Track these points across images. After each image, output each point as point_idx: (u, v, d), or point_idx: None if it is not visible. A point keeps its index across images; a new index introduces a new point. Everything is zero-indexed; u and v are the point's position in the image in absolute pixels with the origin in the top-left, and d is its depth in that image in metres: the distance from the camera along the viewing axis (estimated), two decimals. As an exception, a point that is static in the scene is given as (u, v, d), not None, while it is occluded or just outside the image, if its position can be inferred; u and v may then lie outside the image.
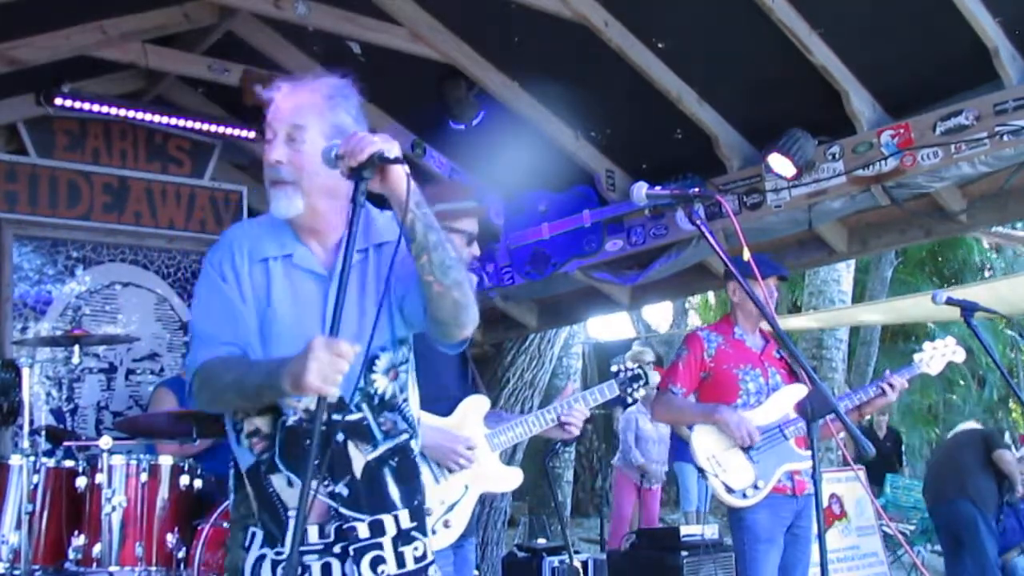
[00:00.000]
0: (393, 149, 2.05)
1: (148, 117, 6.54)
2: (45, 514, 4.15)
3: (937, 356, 4.30)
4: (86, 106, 6.22)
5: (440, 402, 3.14)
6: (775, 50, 5.14)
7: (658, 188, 2.91)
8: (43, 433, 4.46)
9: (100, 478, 4.11)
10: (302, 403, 2.14)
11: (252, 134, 6.84)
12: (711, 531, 6.28)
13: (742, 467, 3.99)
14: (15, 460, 4.21)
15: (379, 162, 2.03)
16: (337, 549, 2.17)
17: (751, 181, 5.78)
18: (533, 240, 6.90)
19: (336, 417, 2.12)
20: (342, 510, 2.16)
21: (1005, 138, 4.88)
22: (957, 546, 6.58)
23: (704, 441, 4.05)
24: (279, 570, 2.13)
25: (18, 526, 4.08)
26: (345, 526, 2.16)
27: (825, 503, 6.66)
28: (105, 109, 6.30)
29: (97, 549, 4.08)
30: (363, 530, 2.17)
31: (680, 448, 9.18)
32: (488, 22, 5.64)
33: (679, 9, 5.27)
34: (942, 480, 6.79)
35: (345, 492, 2.16)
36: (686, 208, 2.87)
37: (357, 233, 2.04)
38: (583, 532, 12.00)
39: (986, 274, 16.04)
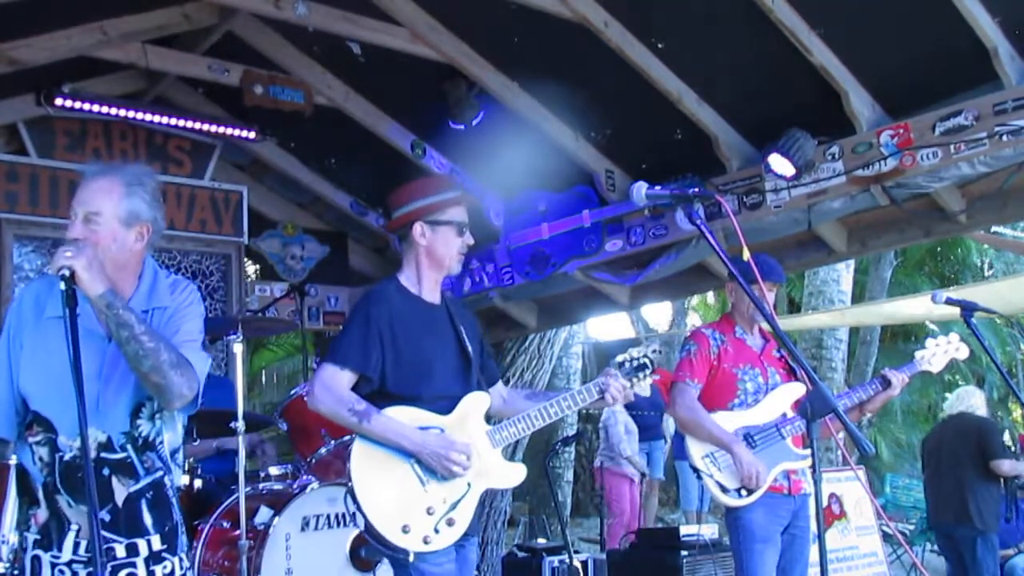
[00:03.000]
0: (77, 265, 2.40)
1: (148, 117, 6.56)
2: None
3: (940, 353, 4.27)
4: (86, 106, 6.24)
5: (439, 401, 3.12)
6: (775, 50, 5.14)
7: (658, 188, 2.91)
8: (43, 433, 4.45)
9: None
10: (75, 442, 2.53)
11: (252, 134, 6.86)
12: (710, 531, 6.28)
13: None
14: (15, 460, 4.20)
15: (64, 277, 2.39)
16: None
17: (751, 181, 5.78)
18: (533, 240, 6.90)
19: (104, 455, 2.57)
20: (104, 533, 2.56)
21: (1004, 138, 4.88)
22: (959, 559, 6.52)
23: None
24: (56, 572, 2.58)
25: (18, 526, 4.07)
26: (105, 546, 2.54)
27: (824, 503, 6.66)
28: (105, 109, 6.32)
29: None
30: (120, 550, 2.59)
31: (681, 446, 9.18)
32: (488, 22, 5.64)
33: (679, 9, 5.27)
34: (941, 502, 6.60)
35: (107, 518, 2.58)
36: (685, 208, 2.87)
37: (76, 313, 2.39)
38: (583, 532, 12.00)
39: (986, 273, 16.05)
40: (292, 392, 5.11)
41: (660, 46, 5.42)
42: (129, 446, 2.60)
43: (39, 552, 2.60)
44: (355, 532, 4.63)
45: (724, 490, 3.97)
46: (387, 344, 3.07)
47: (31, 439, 2.61)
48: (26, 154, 6.44)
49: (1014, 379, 14.12)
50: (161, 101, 6.72)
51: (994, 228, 10.02)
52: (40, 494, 2.61)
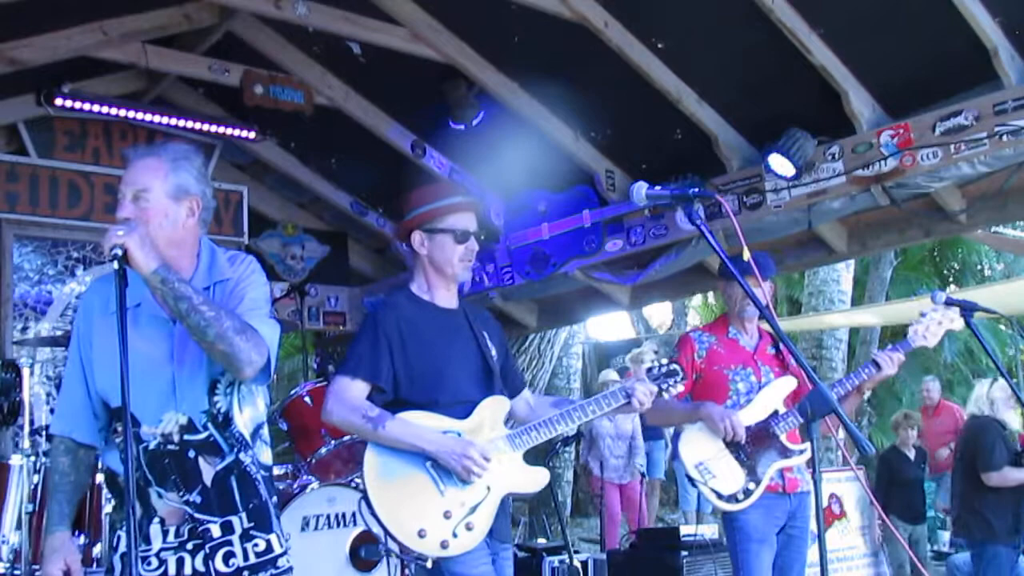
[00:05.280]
0: (130, 243, 2.38)
1: (148, 117, 6.56)
2: (45, 514, 4.14)
3: (933, 326, 3.98)
4: (86, 106, 6.23)
5: (457, 406, 3.07)
6: (775, 50, 5.14)
7: (658, 188, 2.90)
8: (43, 433, 4.45)
9: (100, 478, 4.10)
10: (158, 428, 2.54)
11: (252, 134, 6.86)
12: (710, 531, 6.27)
13: (732, 471, 3.91)
14: (15, 460, 4.22)
15: (116, 257, 2.38)
16: (189, 546, 2.58)
17: (751, 181, 5.78)
18: (533, 240, 6.91)
19: (188, 437, 2.55)
20: (196, 515, 2.56)
21: (1004, 138, 4.88)
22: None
23: (692, 449, 3.97)
24: (144, 564, 2.56)
25: (19, 526, 4.08)
26: (200, 528, 2.56)
27: (825, 503, 6.64)
28: (105, 109, 6.31)
29: (97, 549, 4.08)
30: (216, 530, 2.58)
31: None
32: (488, 22, 5.65)
33: (679, 9, 5.27)
34: (952, 513, 6.47)
35: (198, 499, 2.56)
36: (685, 208, 2.86)
37: (125, 294, 2.38)
38: (583, 532, 11.99)
39: (986, 274, 16.03)
40: (292, 392, 5.11)
41: (660, 46, 5.43)
42: (210, 424, 2.58)
43: None
44: (355, 532, 4.63)
45: (720, 496, 3.93)
46: (396, 351, 3.04)
47: (118, 440, 2.59)
48: (26, 154, 6.44)
49: (1014, 379, 14.08)
50: (161, 101, 6.72)
51: (993, 228, 10.01)
52: (133, 495, 2.57)
